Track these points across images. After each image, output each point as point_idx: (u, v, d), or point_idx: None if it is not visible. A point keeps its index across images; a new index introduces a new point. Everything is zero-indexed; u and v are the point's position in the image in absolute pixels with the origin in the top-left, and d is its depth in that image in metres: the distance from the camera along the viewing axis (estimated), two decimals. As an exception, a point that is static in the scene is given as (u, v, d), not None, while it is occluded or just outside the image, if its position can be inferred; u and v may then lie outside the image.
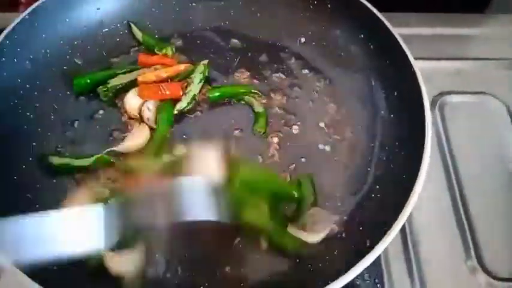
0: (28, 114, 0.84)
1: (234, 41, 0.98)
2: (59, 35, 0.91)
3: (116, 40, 0.97)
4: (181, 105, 0.86)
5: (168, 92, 0.86)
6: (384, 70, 0.87)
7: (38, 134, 0.83)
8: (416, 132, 0.75)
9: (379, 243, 0.63)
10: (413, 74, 0.79)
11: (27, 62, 0.86)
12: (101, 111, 0.88)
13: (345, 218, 0.77)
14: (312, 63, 0.95)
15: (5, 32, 0.82)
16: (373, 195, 0.78)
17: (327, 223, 0.75)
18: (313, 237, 0.73)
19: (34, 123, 0.84)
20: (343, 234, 0.74)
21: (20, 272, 0.59)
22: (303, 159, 0.83)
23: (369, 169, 0.81)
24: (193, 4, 1.01)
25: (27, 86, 0.85)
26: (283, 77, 0.94)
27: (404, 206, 0.65)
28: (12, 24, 0.83)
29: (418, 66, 0.80)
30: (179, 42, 0.98)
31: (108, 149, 0.80)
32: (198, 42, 0.98)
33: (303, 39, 0.97)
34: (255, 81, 0.93)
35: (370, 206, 0.76)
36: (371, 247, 0.63)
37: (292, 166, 0.82)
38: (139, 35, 0.97)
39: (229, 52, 0.97)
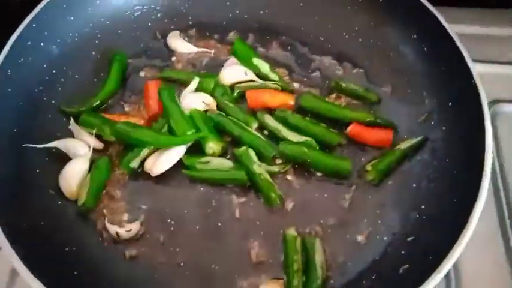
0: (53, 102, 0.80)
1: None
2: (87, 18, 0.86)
3: (148, 24, 0.91)
4: None
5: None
6: (438, 76, 0.79)
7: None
8: (472, 152, 0.68)
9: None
10: (473, 84, 0.71)
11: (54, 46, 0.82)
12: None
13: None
14: (355, 62, 0.87)
15: (31, 15, 0.77)
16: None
17: None
18: None
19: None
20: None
21: None
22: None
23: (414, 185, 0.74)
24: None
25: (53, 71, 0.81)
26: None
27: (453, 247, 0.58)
28: (40, 6, 0.78)
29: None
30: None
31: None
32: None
33: (347, 35, 0.90)
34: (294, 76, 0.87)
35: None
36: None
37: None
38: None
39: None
